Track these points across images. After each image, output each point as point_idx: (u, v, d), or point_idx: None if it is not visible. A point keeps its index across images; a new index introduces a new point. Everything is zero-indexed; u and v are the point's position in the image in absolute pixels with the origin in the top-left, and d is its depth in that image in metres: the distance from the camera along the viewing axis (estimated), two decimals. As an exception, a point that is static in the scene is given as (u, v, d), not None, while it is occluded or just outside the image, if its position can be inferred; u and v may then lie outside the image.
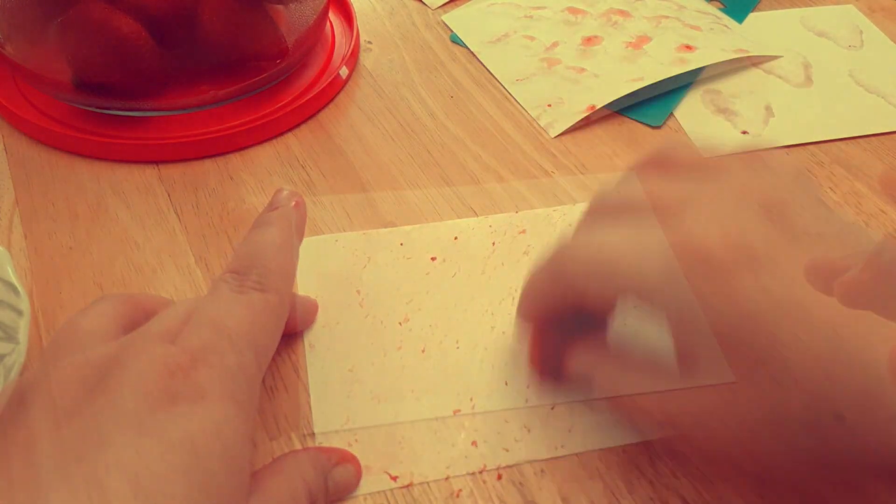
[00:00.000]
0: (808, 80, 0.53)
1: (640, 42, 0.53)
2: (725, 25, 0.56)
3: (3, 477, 0.25)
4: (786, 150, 0.48)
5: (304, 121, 0.50)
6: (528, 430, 0.35)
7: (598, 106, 0.49)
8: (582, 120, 0.49)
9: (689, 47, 0.52)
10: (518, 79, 0.52)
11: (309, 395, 0.36)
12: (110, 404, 0.26)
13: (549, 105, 0.50)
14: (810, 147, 0.49)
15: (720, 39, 0.54)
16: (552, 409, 0.35)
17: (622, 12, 0.56)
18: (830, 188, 0.46)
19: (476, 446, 0.34)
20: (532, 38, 0.54)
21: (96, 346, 0.29)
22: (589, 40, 0.53)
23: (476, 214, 0.44)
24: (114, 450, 0.25)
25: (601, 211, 0.34)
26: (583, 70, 0.51)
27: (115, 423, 0.26)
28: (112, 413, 0.26)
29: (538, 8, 0.56)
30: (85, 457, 0.25)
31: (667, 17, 0.55)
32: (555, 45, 0.53)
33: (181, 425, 0.26)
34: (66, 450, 0.25)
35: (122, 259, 0.42)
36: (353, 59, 0.53)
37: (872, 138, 0.49)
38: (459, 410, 0.35)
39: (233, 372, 0.28)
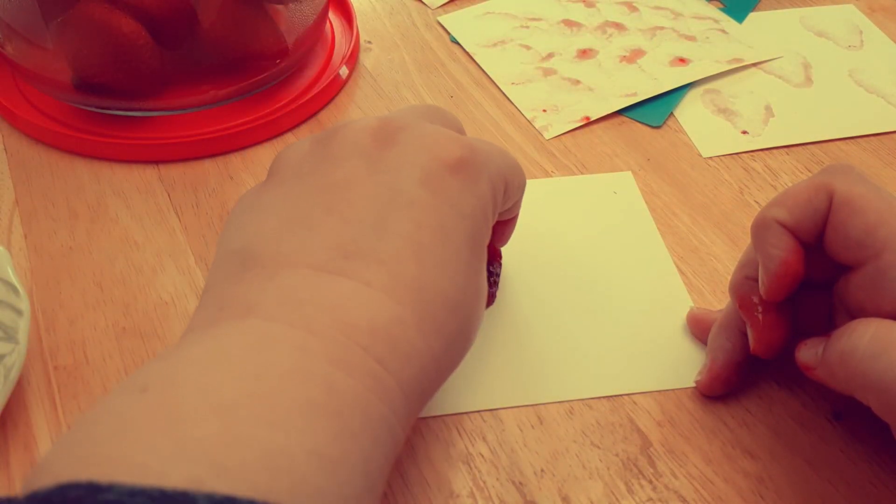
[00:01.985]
0: (808, 80, 0.53)
1: (633, 56, 0.53)
2: (723, 30, 0.56)
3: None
4: (786, 149, 0.48)
5: (304, 121, 0.50)
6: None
7: (593, 118, 0.49)
8: (579, 120, 0.49)
9: (682, 60, 0.53)
10: (514, 82, 0.52)
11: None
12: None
13: (545, 110, 0.50)
14: (810, 147, 0.49)
15: (715, 49, 0.54)
16: None
17: (617, 25, 0.56)
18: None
19: None
20: (528, 48, 0.55)
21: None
22: (584, 52, 0.54)
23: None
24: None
25: None
26: (578, 82, 0.52)
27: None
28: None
29: (534, 19, 0.57)
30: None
31: (662, 27, 0.56)
32: (550, 55, 0.54)
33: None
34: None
35: (122, 259, 0.42)
36: (352, 58, 0.53)
37: (872, 138, 0.49)
38: None
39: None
